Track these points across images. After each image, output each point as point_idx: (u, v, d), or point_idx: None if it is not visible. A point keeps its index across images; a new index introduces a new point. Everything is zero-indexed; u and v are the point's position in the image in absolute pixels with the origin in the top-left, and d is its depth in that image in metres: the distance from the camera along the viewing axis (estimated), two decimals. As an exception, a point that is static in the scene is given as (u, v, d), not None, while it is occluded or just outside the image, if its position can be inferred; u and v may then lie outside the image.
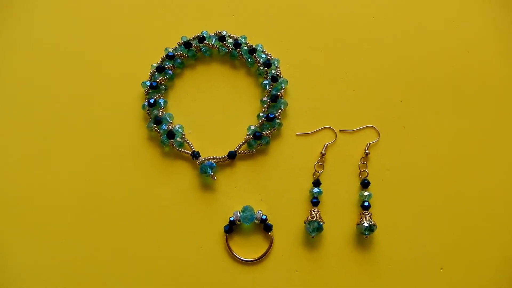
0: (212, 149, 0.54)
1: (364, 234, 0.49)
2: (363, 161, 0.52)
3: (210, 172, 0.52)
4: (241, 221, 0.50)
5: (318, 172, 0.52)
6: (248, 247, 0.51)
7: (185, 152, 0.53)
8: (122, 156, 0.53)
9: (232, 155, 0.53)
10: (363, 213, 0.50)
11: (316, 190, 0.51)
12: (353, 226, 0.51)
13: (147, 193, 0.52)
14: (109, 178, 0.53)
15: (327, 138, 0.53)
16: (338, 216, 0.51)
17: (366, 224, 0.49)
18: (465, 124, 0.54)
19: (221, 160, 0.52)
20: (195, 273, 0.50)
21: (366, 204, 0.50)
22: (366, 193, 0.51)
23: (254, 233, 0.52)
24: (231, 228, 0.51)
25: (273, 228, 0.51)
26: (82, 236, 0.51)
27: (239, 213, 0.51)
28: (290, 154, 0.53)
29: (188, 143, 0.53)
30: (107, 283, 0.50)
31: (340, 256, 0.50)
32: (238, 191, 0.52)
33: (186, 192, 0.52)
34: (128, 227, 0.51)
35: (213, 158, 0.53)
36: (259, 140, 0.52)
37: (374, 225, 0.49)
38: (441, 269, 0.50)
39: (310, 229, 0.49)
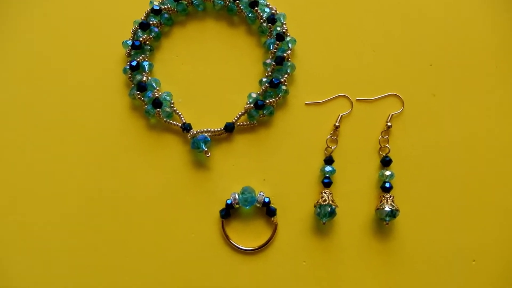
0: (206, 120, 0.46)
1: (385, 221, 0.42)
2: (384, 135, 0.44)
3: (204, 147, 0.45)
4: (240, 205, 0.43)
5: (331, 147, 0.45)
6: (248, 235, 0.44)
7: (174, 124, 0.46)
8: (101, 130, 0.45)
9: (229, 128, 0.45)
10: (383, 196, 0.43)
11: (328, 168, 0.44)
12: (371, 211, 0.44)
13: (130, 172, 0.45)
14: (86, 155, 0.45)
15: (342, 108, 0.45)
16: (354, 199, 0.44)
17: (387, 209, 0.42)
18: (507, 93, 0.46)
19: (217, 133, 0.45)
20: (186, 264, 0.44)
21: (387, 185, 0.43)
22: (387, 173, 0.43)
23: (255, 219, 0.45)
24: (228, 213, 0.44)
25: (277, 212, 0.44)
26: (58, 218, 0.45)
27: (238, 195, 0.44)
28: (298, 127, 0.46)
29: (178, 113, 0.46)
30: (85, 271, 0.44)
31: (355, 246, 0.43)
32: (237, 169, 0.45)
33: (176, 171, 0.45)
34: (108, 212, 0.44)
35: (207, 131, 0.45)
36: (262, 110, 0.44)
37: (397, 210, 0.42)
38: (474, 261, 0.43)
39: (321, 214, 0.42)
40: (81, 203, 0.45)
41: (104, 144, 0.46)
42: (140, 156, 0.45)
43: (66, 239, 0.44)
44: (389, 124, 0.44)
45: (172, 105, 0.46)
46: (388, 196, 0.42)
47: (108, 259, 0.44)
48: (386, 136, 0.44)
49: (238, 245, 0.44)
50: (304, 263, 0.44)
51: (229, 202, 0.44)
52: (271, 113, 0.46)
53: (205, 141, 0.45)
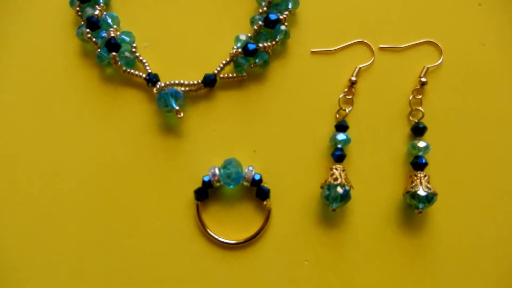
0: (179, 71, 0.35)
1: (417, 208, 0.31)
2: (417, 95, 0.34)
3: (174, 105, 0.34)
4: (222, 183, 0.32)
5: (345, 110, 0.34)
6: (231, 223, 0.33)
7: (136, 75, 0.35)
8: (44, 82, 0.35)
9: (209, 81, 0.34)
10: (415, 175, 0.32)
11: (341, 137, 0.33)
12: (398, 195, 0.33)
13: (78, 139, 0.34)
14: (24, 113, 0.34)
15: (360, 58, 0.34)
16: (375, 179, 0.33)
17: (421, 192, 0.31)
18: None
19: (193, 87, 0.34)
20: (150, 261, 0.33)
21: (421, 161, 0.32)
22: (421, 144, 0.32)
23: (241, 202, 0.34)
24: (206, 193, 0.33)
25: (271, 194, 0.33)
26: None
27: (219, 169, 0.33)
28: (300, 82, 0.35)
29: (141, 61, 0.34)
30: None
31: (374, 242, 0.32)
32: (218, 137, 0.34)
33: (137, 138, 0.34)
34: (56, 187, 0.33)
35: (180, 84, 0.34)
36: (253, 57, 0.33)
37: (434, 194, 0.31)
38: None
39: (330, 198, 0.31)
40: (20, 175, 0.34)
41: (45, 102, 0.34)
42: (92, 117, 0.34)
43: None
44: (423, 80, 0.33)
45: (134, 50, 0.35)
46: (422, 175, 0.31)
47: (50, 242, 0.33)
48: (419, 96, 0.34)
49: (218, 237, 0.33)
50: (306, 262, 0.33)
51: (206, 179, 0.33)
52: (265, 63, 0.34)
53: (176, 96, 0.33)
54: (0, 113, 0.35)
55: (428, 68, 0.34)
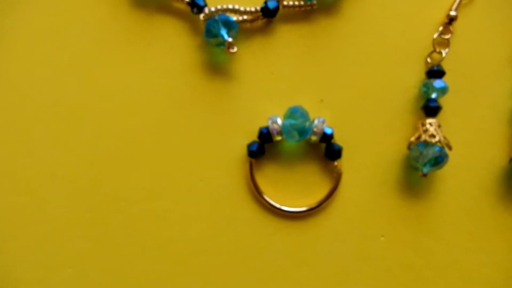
0: (232, -4, 0.29)
1: (532, 176, 0.26)
2: None
3: (226, 37, 0.27)
4: (284, 136, 0.26)
5: (440, 52, 0.27)
6: (292, 187, 0.27)
7: (177, 0, 0.28)
8: (60, 8, 0.28)
9: (270, 9, 0.27)
10: (530, 136, 0.26)
11: (438, 84, 0.26)
12: (501, 160, 0.26)
13: (104, 79, 0.27)
14: (41, 47, 0.28)
15: (459, -11, 0.27)
16: (473, 140, 0.26)
17: (540, 157, 0.25)
18: None
19: (249, 17, 0.27)
20: (190, 231, 0.27)
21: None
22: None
23: (306, 162, 0.28)
24: (262, 149, 0.26)
25: (343, 153, 0.27)
26: None
27: (281, 119, 0.27)
28: (383, 16, 0.27)
29: (185, -19, 0.28)
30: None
31: (469, 216, 0.26)
32: (277, 81, 0.28)
33: (177, 79, 0.27)
34: (73, 137, 0.27)
35: (234, 10, 0.27)
36: None
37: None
38: None
39: (421, 159, 0.25)
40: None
41: (61, 33, 0.28)
42: (119, 53, 0.27)
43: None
44: (540, 18, 0.27)
45: None
46: (539, 135, 0.26)
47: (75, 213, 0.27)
48: (535, 39, 0.27)
49: (275, 203, 0.26)
50: (382, 238, 0.27)
51: (265, 130, 0.27)
52: (341, -10, 0.28)
53: (229, 25, 0.27)
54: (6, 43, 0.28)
55: (547, 4, 0.27)
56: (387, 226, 0.27)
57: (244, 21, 0.28)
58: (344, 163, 0.27)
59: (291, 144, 0.27)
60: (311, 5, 0.28)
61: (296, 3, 0.28)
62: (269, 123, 0.26)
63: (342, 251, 0.27)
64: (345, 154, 0.27)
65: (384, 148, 0.27)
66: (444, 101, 0.27)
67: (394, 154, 0.27)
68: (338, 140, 0.27)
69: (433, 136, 0.25)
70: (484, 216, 0.26)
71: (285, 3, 0.28)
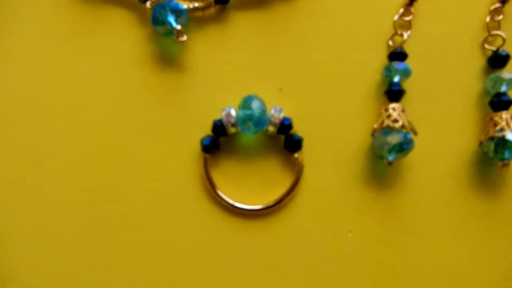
0: (182, -18, 0.27)
1: (502, 159, 0.23)
2: (495, 16, 0.25)
3: (174, 25, 0.25)
4: (239, 128, 0.24)
5: (401, 35, 0.26)
6: (252, 184, 0.25)
7: None
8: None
9: (222, -4, 0.26)
10: (499, 117, 0.24)
11: (399, 66, 0.24)
12: (470, 144, 0.25)
13: (51, 72, 0.25)
14: None
15: (419, -30, 0.26)
16: (439, 125, 0.25)
17: (510, 137, 0.23)
18: None
19: (200, 5, 0.26)
20: (144, 234, 0.24)
21: (506, 98, 0.24)
22: (504, 76, 0.24)
23: (265, 155, 0.26)
24: (217, 143, 0.24)
25: (304, 144, 0.25)
26: None
27: (235, 110, 0.25)
28: (342, 0, 0.27)
29: (131, -31, 0.26)
30: None
31: (442, 205, 0.24)
32: (233, 71, 0.26)
33: (127, 71, 0.25)
34: (19, 133, 0.25)
35: (183, -2, 0.26)
36: None
37: (526, 141, 0.23)
38: None
39: (385, 147, 0.23)
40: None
41: (8, 32, 0.26)
42: (66, 45, 0.25)
43: None
44: (507, -5, 0.26)
45: None
46: (508, 116, 0.24)
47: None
48: (499, 18, 0.26)
49: (233, 202, 0.24)
50: (349, 234, 0.25)
51: (219, 123, 0.25)
52: (296, -27, 0.27)
53: (178, 12, 0.25)
54: None
55: (510, -20, 0.26)
56: (355, 220, 0.25)
57: (195, 8, 0.26)
58: (305, 155, 0.25)
59: (248, 136, 0.25)
60: (265, -9, 0.26)
61: (250, -11, 0.27)
62: (223, 114, 0.24)
63: (309, 249, 0.25)
64: (306, 145, 0.25)
65: (348, 137, 0.25)
66: (408, 85, 0.25)
67: (359, 142, 0.25)
68: (299, 130, 0.26)
69: (396, 121, 0.23)
70: (457, 205, 0.25)
71: (238, -11, 0.26)
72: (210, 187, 0.25)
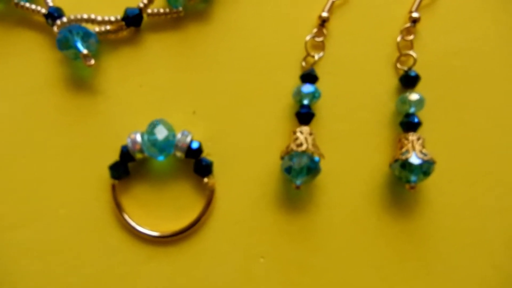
0: (93, 5, 0.26)
1: (408, 181, 0.23)
2: (407, 36, 0.26)
3: (81, 48, 0.25)
4: (146, 153, 0.24)
5: (313, 56, 0.26)
6: (162, 209, 0.24)
7: (34, 11, 0.26)
8: None
9: (132, 17, 0.25)
10: (406, 139, 0.24)
11: (307, 89, 0.24)
12: (383, 165, 0.25)
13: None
14: None
15: (333, -10, 0.26)
16: (352, 145, 0.25)
17: (414, 160, 0.23)
18: None
19: (111, 26, 0.25)
20: (51, 263, 0.24)
21: (412, 119, 0.24)
22: (412, 97, 0.24)
23: (175, 180, 0.25)
24: (125, 169, 0.24)
25: (215, 169, 0.24)
26: None
27: (142, 135, 0.24)
28: (255, 21, 0.26)
29: (41, -9, 0.26)
30: None
31: (354, 227, 0.24)
32: (146, 93, 0.25)
33: (37, 95, 0.25)
34: None
35: (91, 20, 0.25)
36: None
37: (431, 162, 0.23)
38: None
39: (293, 171, 0.23)
40: None
41: None
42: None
43: None
44: (415, 16, 0.26)
45: None
46: (414, 138, 0.24)
47: None
48: (410, 38, 0.26)
49: (142, 229, 0.24)
50: (261, 260, 0.24)
51: (125, 149, 0.24)
52: (208, -5, 0.26)
53: (85, 36, 0.25)
54: None
55: (421, 0, 0.26)
56: (266, 245, 0.24)
57: (107, 31, 0.26)
58: (218, 179, 0.25)
59: (157, 161, 0.25)
60: (177, 12, 0.26)
61: (162, 10, 0.26)
62: (128, 140, 0.24)
63: (221, 275, 0.24)
64: (219, 168, 0.25)
65: (261, 160, 0.25)
66: (321, 105, 0.25)
67: (272, 165, 0.25)
68: (213, 153, 0.25)
69: (300, 144, 0.23)
70: (370, 226, 0.25)
71: (149, 11, 0.26)
72: (119, 213, 0.24)
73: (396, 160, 0.23)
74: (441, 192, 0.24)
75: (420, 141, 0.23)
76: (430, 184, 0.24)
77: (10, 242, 0.24)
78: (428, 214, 0.24)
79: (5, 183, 0.25)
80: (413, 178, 0.23)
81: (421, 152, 0.23)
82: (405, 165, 0.23)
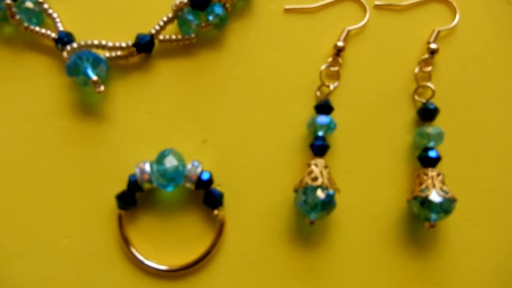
0: (104, 30, 0.26)
1: (428, 219, 0.22)
2: (424, 68, 0.25)
3: (91, 75, 0.24)
4: (155, 183, 0.23)
5: (328, 86, 0.25)
6: (170, 242, 0.24)
7: (44, 35, 0.25)
8: None
9: (143, 44, 0.24)
10: (425, 174, 0.23)
11: (322, 121, 0.24)
12: (401, 201, 0.24)
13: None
14: None
15: (349, 19, 0.26)
16: (369, 180, 0.24)
17: (434, 198, 0.22)
18: None
19: (121, 52, 0.24)
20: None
21: (432, 154, 0.23)
22: (431, 131, 0.23)
23: (184, 212, 0.24)
24: (133, 199, 0.23)
25: (225, 200, 0.24)
26: None
27: (151, 165, 0.23)
28: (269, 49, 0.25)
29: (51, 16, 0.25)
30: None
31: (369, 266, 0.23)
32: (156, 121, 0.25)
33: (43, 121, 0.24)
34: None
35: (101, 46, 0.24)
36: (205, 12, 0.24)
37: (452, 200, 0.22)
38: None
39: (307, 205, 0.22)
40: None
41: None
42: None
43: None
44: (433, 47, 0.25)
45: (41, 0, 0.26)
46: (434, 174, 0.23)
47: None
48: (428, 69, 0.25)
49: (149, 262, 0.23)
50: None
51: (133, 178, 0.24)
52: (221, 21, 0.25)
53: (95, 62, 0.24)
54: None
55: (439, 31, 0.25)
56: (278, 281, 0.23)
57: (117, 57, 0.25)
58: (228, 210, 0.24)
59: (166, 192, 0.24)
60: (189, 39, 0.26)
61: (174, 37, 0.26)
62: (136, 170, 0.23)
63: (229, 313, 0.24)
64: (229, 200, 0.24)
65: (273, 192, 0.24)
66: (336, 137, 0.25)
67: (284, 197, 0.24)
68: (223, 184, 0.24)
69: (316, 178, 0.22)
70: (385, 265, 0.24)
71: (161, 37, 0.25)
72: (125, 245, 0.23)
73: (415, 197, 0.22)
74: (460, 231, 0.23)
75: (440, 177, 0.22)
76: (449, 222, 0.23)
77: (8, 275, 0.23)
78: (447, 254, 0.23)
79: (7, 211, 0.24)
80: (433, 216, 0.22)
81: (441, 189, 0.22)
82: (425, 202, 0.22)
